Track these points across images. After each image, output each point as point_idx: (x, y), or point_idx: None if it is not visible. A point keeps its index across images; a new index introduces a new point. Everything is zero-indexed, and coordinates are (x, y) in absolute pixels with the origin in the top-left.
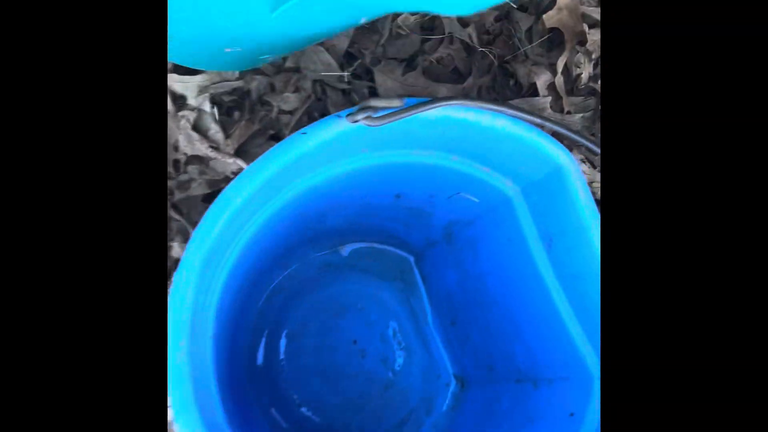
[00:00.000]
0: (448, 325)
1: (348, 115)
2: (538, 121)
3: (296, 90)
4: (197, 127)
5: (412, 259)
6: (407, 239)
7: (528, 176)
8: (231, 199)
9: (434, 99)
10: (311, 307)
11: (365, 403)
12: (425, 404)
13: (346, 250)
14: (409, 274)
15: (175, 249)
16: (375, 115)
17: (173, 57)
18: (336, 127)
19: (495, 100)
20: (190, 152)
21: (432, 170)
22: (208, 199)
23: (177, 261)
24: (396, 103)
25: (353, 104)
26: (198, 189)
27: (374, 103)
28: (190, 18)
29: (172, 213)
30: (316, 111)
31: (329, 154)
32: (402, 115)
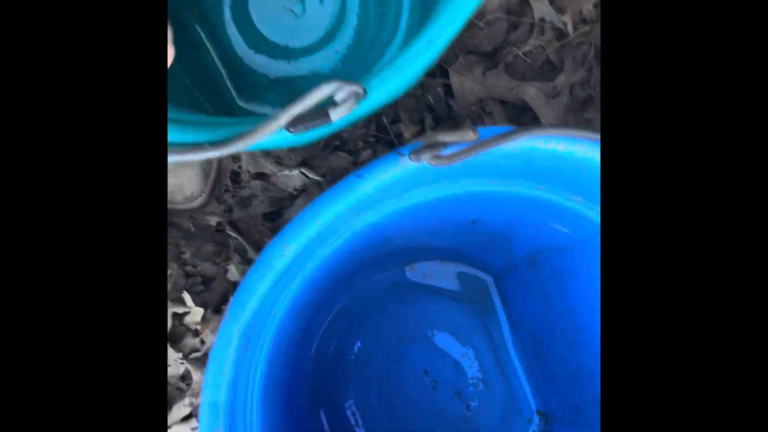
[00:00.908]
0: (531, 357)
1: (411, 152)
2: None
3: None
4: None
5: (490, 279)
6: (485, 260)
7: None
8: (274, 258)
9: (516, 130)
10: (377, 333)
11: None
12: None
13: (415, 269)
14: (487, 297)
15: (232, 271)
16: (443, 153)
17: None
18: (396, 168)
19: (588, 125)
20: (253, 169)
21: (514, 199)
22: (270, 217)
23: (235, 284)
24: (469, 136)
25: (428, 107)
26: (260, 206)
27: (442, 137)
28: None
29: (230, 231)
30: (384, 116)
31: (391, 191)
32: (476, 152)
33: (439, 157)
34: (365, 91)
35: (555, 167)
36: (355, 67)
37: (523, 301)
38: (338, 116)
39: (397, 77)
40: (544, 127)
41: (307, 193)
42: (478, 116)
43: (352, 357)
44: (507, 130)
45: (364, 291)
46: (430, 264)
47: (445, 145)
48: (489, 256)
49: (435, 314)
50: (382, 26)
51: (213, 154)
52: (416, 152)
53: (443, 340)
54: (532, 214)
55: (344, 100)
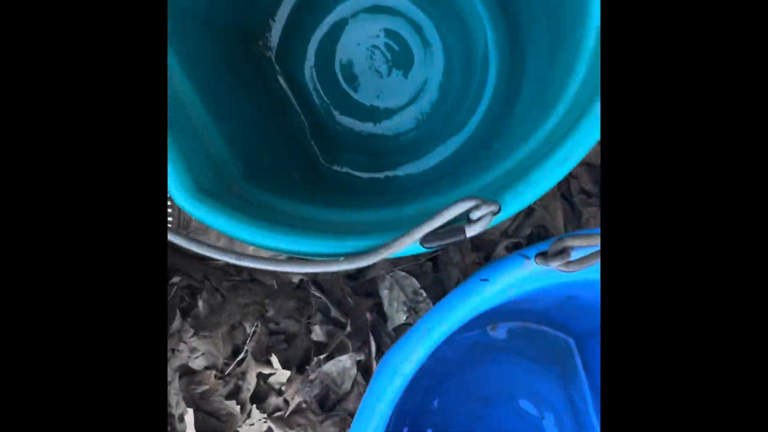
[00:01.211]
0: None
1: (537, 256)
2: None
3: None
4: None
5: (572, 342)
6: (568, 323)
7: None
8: (403, 365)
9: None
10: (456, 394)
11: None
12: None
13: (498, 329)
14: (569, 360)
15: (317, 331)
16: (573, 258)
17: None
18: (521, 271)
19: None
20: None
21: None
22: (353, 276)
23: (318, 344)
24: (595, 240)
25: None
26: (343, 263)
27: (571, 242)
28: None
29: (312, 289)
30: None
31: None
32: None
33: (569, 263)
34: (500, 208)
35: None
36: (439, 125)
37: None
38: (473, 233)
39: (530, 191)
40: None
41: None
42: (564, 180)
43: (431, 415)
44: None
45: (444, 351)
46: (512, 324)
47: (572, 248)
48: (572, 320)
49: (516, 377)
50: (468, 83)
51: (348, 266)
52: (544, 257)
53: (523, 403)
54: None
55: (480, 218)
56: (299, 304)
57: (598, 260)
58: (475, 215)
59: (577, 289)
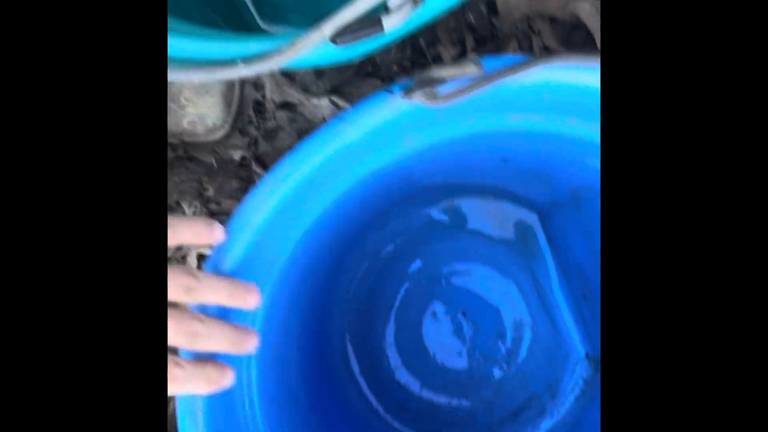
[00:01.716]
0: (579, 299)
1: (406, 91)
2: None
3: None
4: (286, 71)
5: (534, 217)
6: (527, 196)
7: None
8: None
9: (529, 60)
10: (412, 275)
11: (477, 386)
12: (550, 389)
13: (453, 205)
14: (532, 235)
15: None
16: (441, 91)
17: None
18: (386, 109)
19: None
20: (278, 98)
21: (542, 136)
22: None
23: None
24: (470, 69)
25: (468, 26)
26: (286, 139)
27: (438, 72)
28: None
29: (255, 167)
30: (421, 38)
31: (390, 134)
32: (479, 88)
33: (434, 97)
34: None
35: (581, 100)
36: None
37: (571, 240)
38: (392, 25)
39: None
40: (562, 55)
41: None
42: (524, 35)
43: (387, 298)
44: (517, 60)
45: (397, 232)
46: (469, 200)
47: (443, 80)
48: (530, 191)
49: (475, 254)
50: None
51: (248, 72)
52: (409, 91)
53: (484, 281)
54: (565, 152)
55: (399, 7)
56: (241, 184)
57: (471, 93)
58: (393, 3)
59: (493, 144)
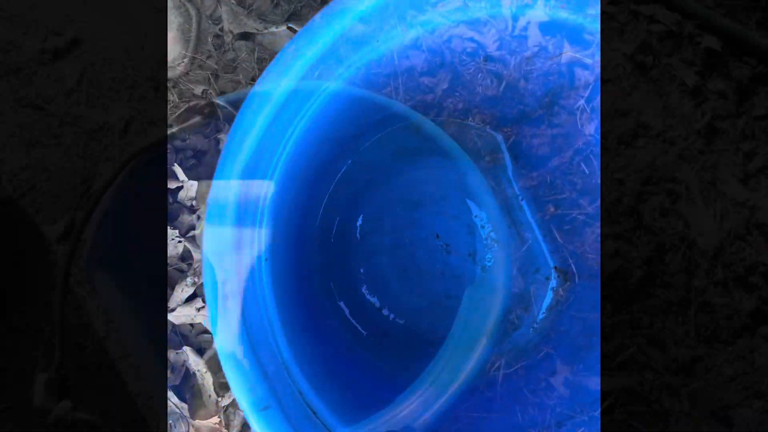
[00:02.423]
0: (548, 212)
1: None
2: None
3: None
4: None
5: (500, 136)
6: (495, 113)
7: None
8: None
9: None
10: (384, 199)
11: (452, 304)
12: (522, 302)
13: (422, 129)
14: (499, 154)
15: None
16: None
17: None
18: None
19: None
20: (235, 29)
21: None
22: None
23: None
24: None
25: None
26: (248, 71)
27: None
28: None
29: (218, 101)
30: None
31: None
32: None
33: None
34: None
35: None
36: None
37: (540, 152)
38: None
39: None
40: None
41: None
42: None
43: (361, 225)
44: None
45: (367, 157)
46: (437, 121)
47: None
48: (500, 107)
49: (444, 176)
50: None
51: None
52: None
53: (455, 203)
54: (547, 41)
55: None
56: (206, 120)
57: None
58: None
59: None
